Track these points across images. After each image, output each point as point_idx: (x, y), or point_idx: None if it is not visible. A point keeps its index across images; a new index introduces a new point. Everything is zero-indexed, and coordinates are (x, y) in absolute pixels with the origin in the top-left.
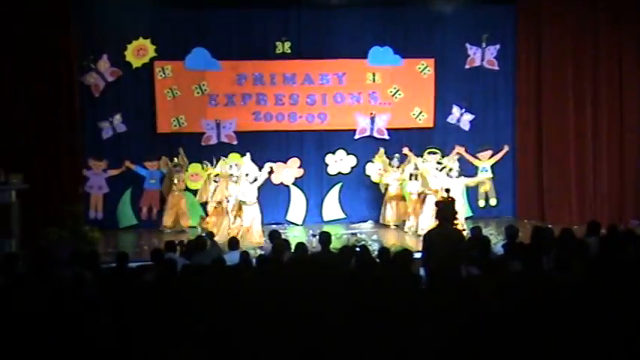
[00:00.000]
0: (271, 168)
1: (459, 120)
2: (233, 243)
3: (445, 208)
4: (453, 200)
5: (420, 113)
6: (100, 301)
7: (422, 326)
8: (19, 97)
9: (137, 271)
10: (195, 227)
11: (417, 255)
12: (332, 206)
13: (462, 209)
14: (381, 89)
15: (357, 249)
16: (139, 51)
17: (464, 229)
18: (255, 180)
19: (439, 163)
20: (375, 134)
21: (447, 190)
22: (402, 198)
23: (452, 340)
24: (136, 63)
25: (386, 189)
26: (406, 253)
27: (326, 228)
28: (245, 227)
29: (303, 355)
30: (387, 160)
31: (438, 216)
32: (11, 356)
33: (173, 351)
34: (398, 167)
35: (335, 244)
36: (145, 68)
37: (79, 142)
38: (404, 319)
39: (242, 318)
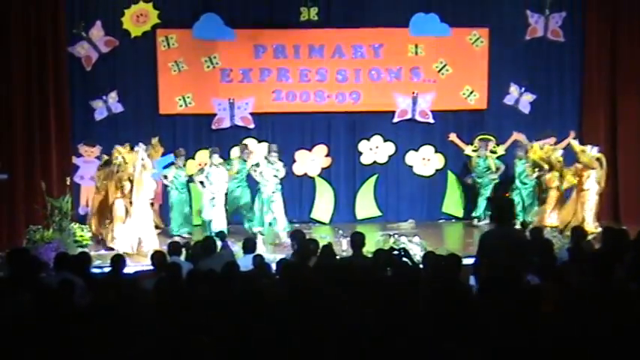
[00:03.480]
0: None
1: (517, 101)
2: (248, 245)
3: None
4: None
5: (472, 93)
6: (92, 312)
7: (471, 342)
8: None
9: (135, 278)
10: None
11: (466, 261)
12: (366, 202)
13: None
14: (425, 64)
15: (395, 253)
16: (139, 17)
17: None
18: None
19: (493, 152)
20: (418, 117)
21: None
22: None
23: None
24: (135, 31)
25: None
26: (454, 258)
27: (359, 228)
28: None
29: None
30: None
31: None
32: None
33: None
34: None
35: (369, 248)
36: (146, 37)
37: (68, 125)
38: (450, 335)
39: (257, 333)
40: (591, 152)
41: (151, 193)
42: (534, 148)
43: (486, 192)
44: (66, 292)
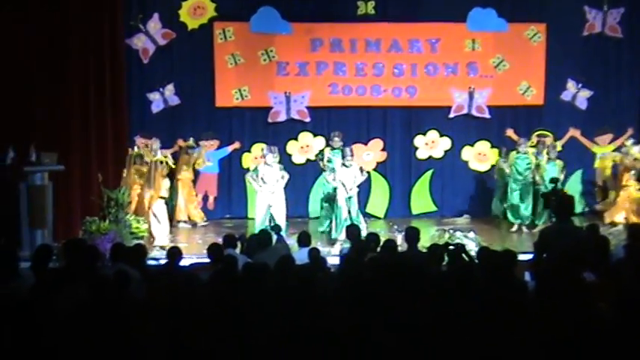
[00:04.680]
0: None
1: (574, 97)
2: (303, 238)
3: (563, 202)
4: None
5: (528, 88)
6: (148, 305)
7: (525, 339)
8: (55, 62)
9: (191, 270)
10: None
11: (522, 257)
12: (421, 197)
13: None
14: (482, 59)
15: (452, 248)
16: (196, 10)
17: None
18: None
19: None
20: (474, 112)
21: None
22: None
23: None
24: (192, 24)
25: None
26: (509, 254)
27: (414, 223)
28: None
29: None
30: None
31: (555, 210)
32: None
33: None
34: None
35: (424, 242)
36: (203, 30)
37: (125, 117)
38: (505, 331)
39: (312, 327)
40: None
41: (165, 192)
42: (631, 153)
43: (529, 193)
44: (121, 283)
